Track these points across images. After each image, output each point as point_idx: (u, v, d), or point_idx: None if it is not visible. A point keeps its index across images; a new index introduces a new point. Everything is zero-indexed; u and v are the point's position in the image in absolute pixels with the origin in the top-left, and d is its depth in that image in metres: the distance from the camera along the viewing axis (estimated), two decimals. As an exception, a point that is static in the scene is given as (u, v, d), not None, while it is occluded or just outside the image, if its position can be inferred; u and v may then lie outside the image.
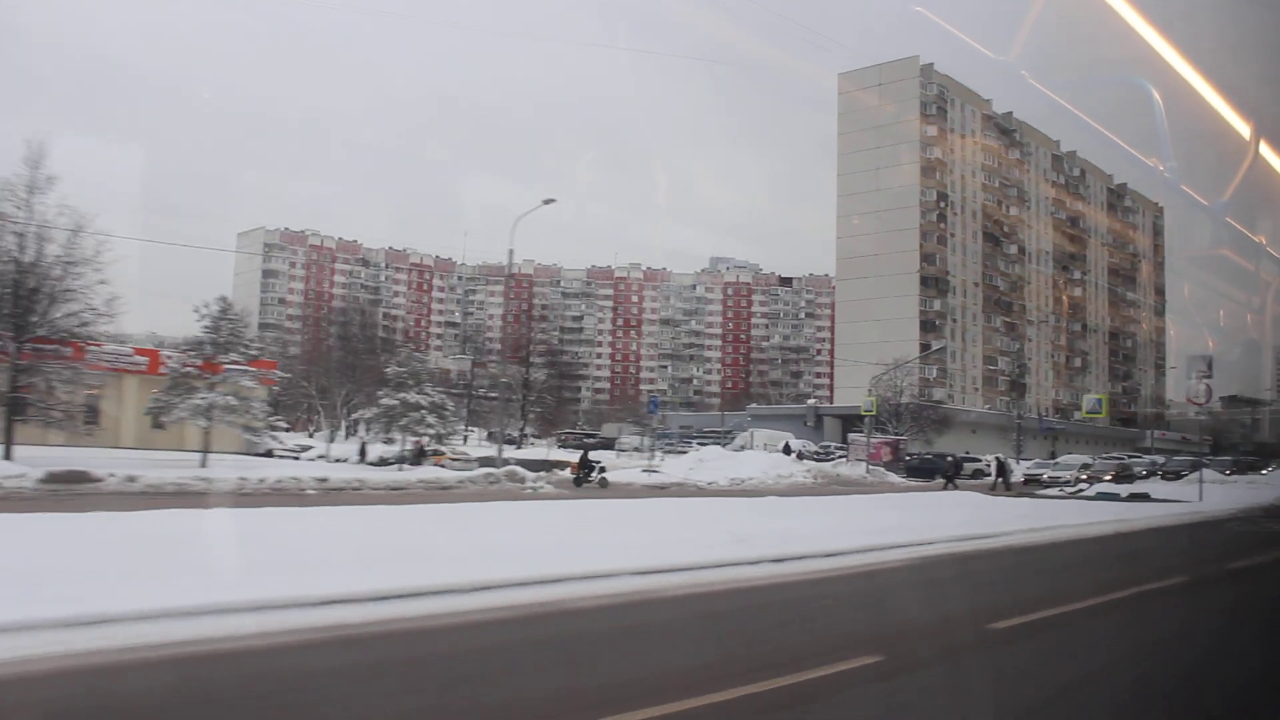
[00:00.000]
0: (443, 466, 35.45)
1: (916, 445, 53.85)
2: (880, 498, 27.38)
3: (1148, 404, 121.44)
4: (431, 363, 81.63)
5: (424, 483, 27.24)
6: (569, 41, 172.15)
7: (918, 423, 57.13)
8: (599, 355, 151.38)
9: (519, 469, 29.29)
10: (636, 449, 59.93)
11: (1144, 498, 28.35)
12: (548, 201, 29.87)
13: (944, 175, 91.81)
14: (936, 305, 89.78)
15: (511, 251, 29.53)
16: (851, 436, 48.06)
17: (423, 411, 30.32)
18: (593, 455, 35.47)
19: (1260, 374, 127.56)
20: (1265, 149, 18.26)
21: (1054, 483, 34.76)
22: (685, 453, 46.48)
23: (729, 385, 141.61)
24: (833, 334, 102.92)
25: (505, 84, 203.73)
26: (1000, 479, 37.03)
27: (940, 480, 39.37)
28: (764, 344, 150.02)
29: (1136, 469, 44.50)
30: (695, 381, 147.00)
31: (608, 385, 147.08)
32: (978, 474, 49.01)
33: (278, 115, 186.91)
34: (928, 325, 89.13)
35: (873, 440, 44.31)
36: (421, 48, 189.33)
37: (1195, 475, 41.05)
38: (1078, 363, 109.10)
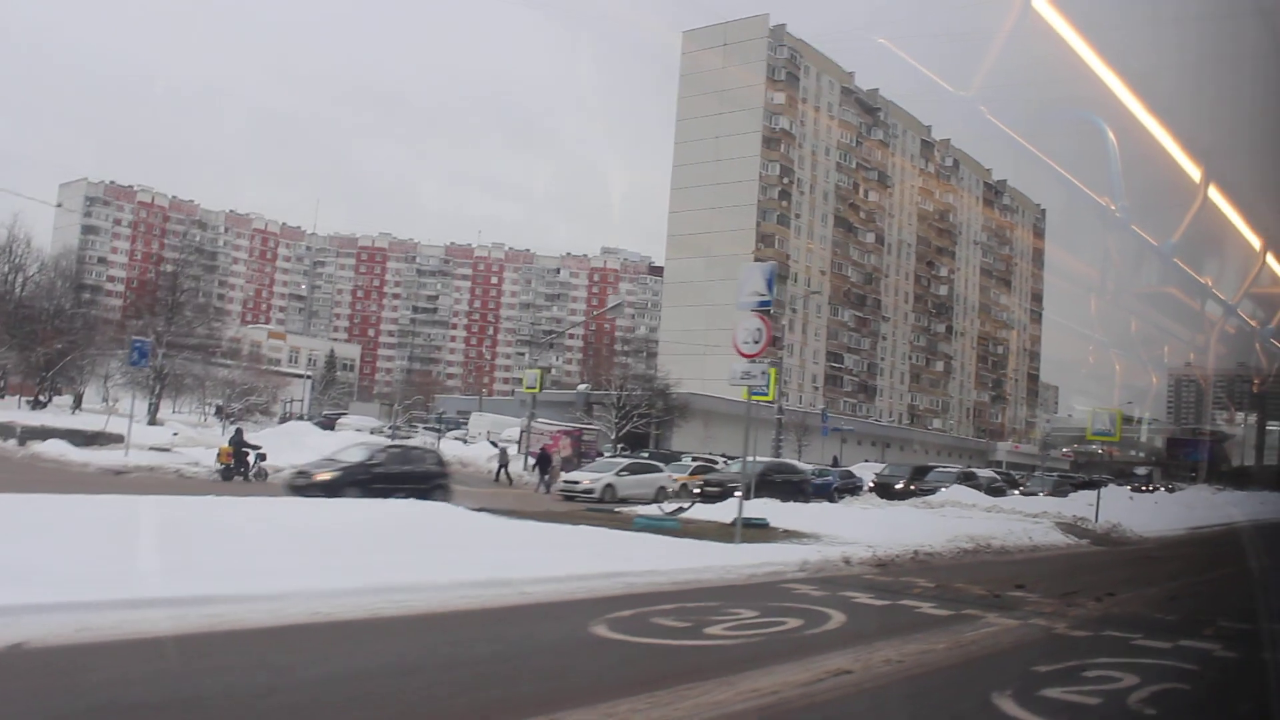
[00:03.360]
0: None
1: (651, 440, 44.23)
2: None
3: (1015, 415, 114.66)
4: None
5: None
6: None
7: (646, 412, 47.35)
8: (453, 338, 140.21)
9: None
10: (372, 430, 49.85)
11: (760, 526, 17.96)
12: None
13: (791, 149, 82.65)
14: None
15: None
16: (520, 424, 38.03)
17: None
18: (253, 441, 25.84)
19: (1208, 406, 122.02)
20: (1214, 192, 18.59)
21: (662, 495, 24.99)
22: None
23: (588, 375, 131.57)
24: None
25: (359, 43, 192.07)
26: (503, 469, 31.26)
27: None
28: (630, 334, 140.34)
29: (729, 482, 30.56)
30: (555, 371, 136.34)
31: (460, 370, 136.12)
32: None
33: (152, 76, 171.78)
34: (761, 314, 79.88)
35: (547, 430, 34.39)
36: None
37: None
38: (940, 366, 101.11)
